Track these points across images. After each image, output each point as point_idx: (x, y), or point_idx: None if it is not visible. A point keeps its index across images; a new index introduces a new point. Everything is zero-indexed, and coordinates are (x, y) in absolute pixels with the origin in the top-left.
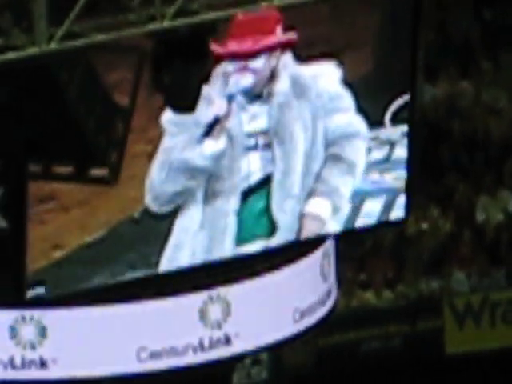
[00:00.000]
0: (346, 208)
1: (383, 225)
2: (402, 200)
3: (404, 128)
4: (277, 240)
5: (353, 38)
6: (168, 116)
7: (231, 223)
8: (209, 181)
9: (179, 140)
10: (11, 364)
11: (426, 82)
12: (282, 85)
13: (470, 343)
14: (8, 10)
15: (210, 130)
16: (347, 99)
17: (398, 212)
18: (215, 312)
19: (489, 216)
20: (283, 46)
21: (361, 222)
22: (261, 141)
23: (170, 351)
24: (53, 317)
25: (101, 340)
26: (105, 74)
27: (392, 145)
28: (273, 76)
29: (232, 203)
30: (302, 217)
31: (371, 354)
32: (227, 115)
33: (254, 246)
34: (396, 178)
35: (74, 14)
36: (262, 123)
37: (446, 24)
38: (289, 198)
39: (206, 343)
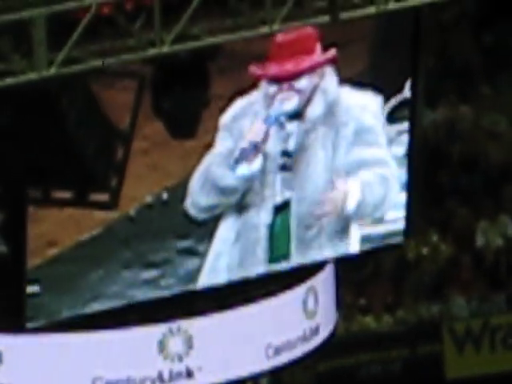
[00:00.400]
0: (369, 209)
1: (382, 248)
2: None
3: (400, 126)
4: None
5: (348, 34)
6: (225, 118)
7: (263, 236)
8: (242, 194)
9: (221, 151)
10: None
11: (426, 107)
12: (316, 110)
13: (470, 368)
14: (8, 35)
15: (244, 155)
16: (379, 136)
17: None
18: (176, 345)
19: (488, 240)
20: (324, 64)
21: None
22: (288, 163)
23: (127, 382)
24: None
25: (56, 368)
26: (104, 98)
27: (389, 142)
28: (310, 98)
29: (263, 217)
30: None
31: (371, 378)
32: (265, 140)
33: (280, 266)
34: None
35: (73, 40)
36: (292, 144)
37: (446, 49)
38: (305, 229)
39: (166, 376)
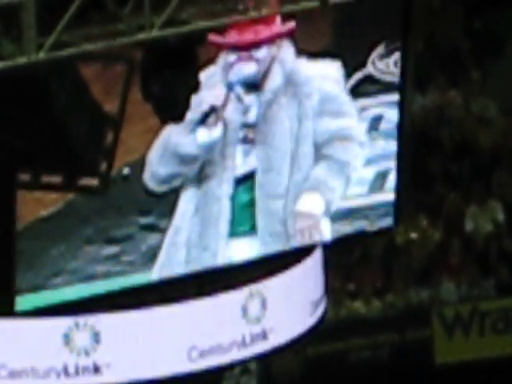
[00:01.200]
0: (336, 203)
1: (372, 233)
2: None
3: (363, 102)
4: (256, 243)
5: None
6: None
7: (225, 209)
8: (201, 164)
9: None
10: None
11: (416, 92)
12: (275, 81)
13: (460, 353)
14: None
15: (206, 118)
16: (344, 104)
17: (357, 188)
18: (82, 339)
19: (478, 226)
20: (283, 36)
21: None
22: (249, 135)
23: (32, 372)
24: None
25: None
26: (94, 83)
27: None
28: (268, 70)
29: (225, 188)
30: (295, 216)
31: (360, 363)
32: (225, 104)
33: (240, 244)
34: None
35: (63, 24)
36: (252, 116)
37: (435, 33)
38: (272, 200)
39: (72, 369)
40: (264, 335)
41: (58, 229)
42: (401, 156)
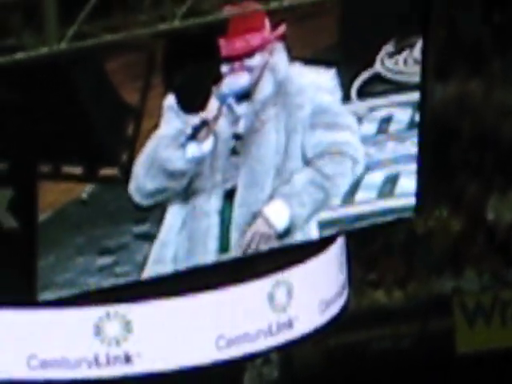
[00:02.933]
0: (303, 218)
1: (393, 222)
2: (369, 179)
3: (372, 102)
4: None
5: (314, 8)
6: (170, 101)
7: (214, 224)
8: (190, 179)
9: (168, 133)
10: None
11: (437, 82)
12: (265, 90)
13: (481, 342)
14: (19, 11)
15: (196, 132)
16: (338, 116)
17: (364, 194)
18: (113, 329)
19: (499, 216)
20: (275, 41)
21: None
22: (238, 145)
23: (63, 362)
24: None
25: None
26: (115, 74)
27: (359, 120)
28: (259, 78)
29: (213, 203)
30: (255, 216)
31: (381, 353)
32: (217, 117)
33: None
34: (366, 154)
35: (84, 14)
36: (242, 127)
37: (457, 23)
38: (249, 216)
39: (103, 359)
40: (290, 324)
41: (47, 238)
42: (422, 146)
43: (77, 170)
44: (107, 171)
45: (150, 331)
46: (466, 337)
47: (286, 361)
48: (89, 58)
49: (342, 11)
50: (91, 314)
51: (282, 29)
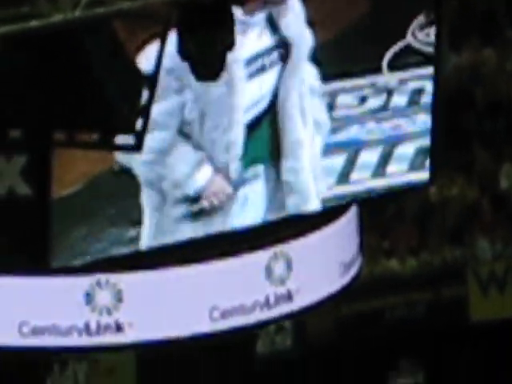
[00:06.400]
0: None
1: (407, 189)
2: (400, 150)
3: (403, 75)
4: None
5: None
6: None
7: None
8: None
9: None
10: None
11: (450, 50)
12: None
13: (494, 310)
14: None
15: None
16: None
17: (396, 166)
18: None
19: None
20: None
21: (356, 176)
22: (266, 61)
23: (53, 329)
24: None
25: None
26: (129, 41)
27: (390, 92)
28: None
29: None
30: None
31: (395, 321)
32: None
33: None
34: (394, 126)
35: None
36: (266, 40)
37: None
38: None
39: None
40: (289, 296)
41: (78, 209)
42: (435, 114)
43: (92, 138)
44: (122, 138)
45: (141, 301)
46: (479, 305)
47: (299, 329)
48: (102, 26)
49: None
50: (82, 281)
51: None
